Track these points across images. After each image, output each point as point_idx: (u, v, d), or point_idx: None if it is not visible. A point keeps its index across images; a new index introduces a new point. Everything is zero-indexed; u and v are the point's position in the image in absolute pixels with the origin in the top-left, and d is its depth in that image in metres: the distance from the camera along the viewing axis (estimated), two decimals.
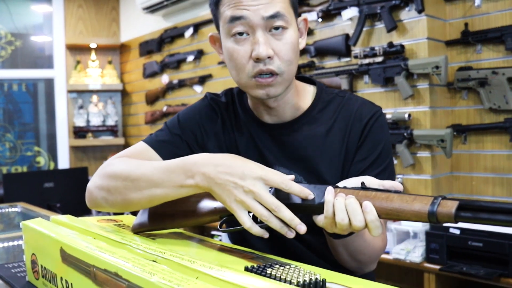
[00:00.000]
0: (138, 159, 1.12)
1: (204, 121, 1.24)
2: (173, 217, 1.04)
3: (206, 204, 1.01)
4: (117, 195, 1.05)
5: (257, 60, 1.05)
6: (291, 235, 0.89)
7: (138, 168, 1.04)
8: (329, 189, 0.87)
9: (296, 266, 0.79)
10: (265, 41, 1.04)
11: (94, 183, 1.12)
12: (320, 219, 0.89)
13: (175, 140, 1.21)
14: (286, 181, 0.89)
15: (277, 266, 0.78)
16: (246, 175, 0.89)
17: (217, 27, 1.15)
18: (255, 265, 0.77)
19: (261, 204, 0.88)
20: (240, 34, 1.05)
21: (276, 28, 1.05)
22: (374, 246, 1.08)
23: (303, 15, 1.15)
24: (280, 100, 1.15)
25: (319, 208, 0.88)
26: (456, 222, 0.76)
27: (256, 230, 0.90)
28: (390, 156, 1.18)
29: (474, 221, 0.75)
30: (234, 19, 1.04)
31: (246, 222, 0.89)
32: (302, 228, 0.88)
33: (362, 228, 0.83)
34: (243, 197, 0.89)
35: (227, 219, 0.98)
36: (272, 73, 1.06)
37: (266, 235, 0.91)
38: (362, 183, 0.87)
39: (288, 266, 0.78)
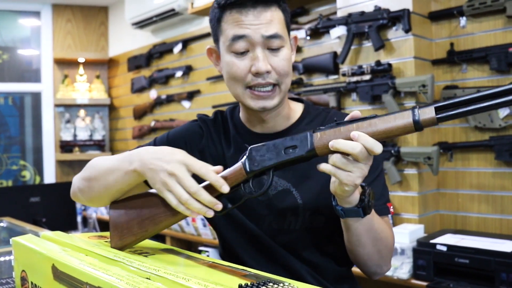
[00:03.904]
0: None
1: (190, 138, 1.32)
2: (154, 220, 1.05)
3: None
4: (86, 183, 1.18)
5: (256, 74, 1.14)
6: (210, 214, 0.99)
7: (105, 159, 1.16)
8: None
9: (290, 284, 0.80)
10: (263, 57, 1.14)
11: (78, 174, 1.25)
12: (325, 166, 0.95)
13: None
14: (204, 167, 1.00)
15: (271, 284, 0.79)
16: (171, 160, 1.00)
17: (215, 41, 1.23)
18: (248, 283, 0.78)
19: (183, 187, 0.98)
20: (242, 52, 1.15)
21: (274, 47, 1.15)
22: (388, 231, 1.18)
23: (293, 33, 1.23)
24: (273, 111, 1.23)
25: (309, 157, 0.96)
26: (438, 124, 0.87)
27: (182, 209, 0.99)
28: (381, 165, 1.27)
29: (454, 117, 0.86)
30: (237, 37, 1.14)
31: (172, 201, 0.99)
32: (219, 207, 0.99)
33: (365, 153, 0.91)
34: (166, 179, 0.99)
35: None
36: (270, 85, 1.15)
37: (193, 214, 1.00)
38: (335, 120, 0.96)
39: (282, 284, 0.79)
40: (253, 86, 1.16)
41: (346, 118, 0.96)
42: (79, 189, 1.21)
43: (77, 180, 1.23)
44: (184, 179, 0.98)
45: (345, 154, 0.92)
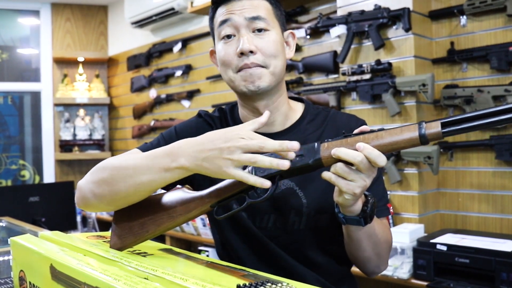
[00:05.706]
0: None
1: (203, 133, 1.27)
2: (156, 221, 1.04)
3: (191, 197, 1.03)
4: (105, 186, 1.08)
5: (241, 54, 1.15)
6: (285, 164, 0.92)
7: (125, 159, 1.08)
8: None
9: (288, 284, 0.79)
10: (247, 37, 1.16)
11: (84, 179, 1.15)
12: (326, 174, 0.95)
13: None
14: (265, 140, 0.93)
15: (269, 284, 0.78)
16: (229, 138, 0.94)
17: (214, 40, 1.25)
18: (247, 283, 0.77)
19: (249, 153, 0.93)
20: (228, 37, 1.18)
21: (259, 30, 1.17)
22: (387, 234, 1.21)
23: (291, 31, 1.25)
24: (271, 105, 1.22)
25: (315, 165, 0.96)
26: (443, 138, 0.89)
27: (254, 179, 0.93)
28: None
29: (459, 132, 0.88)
30: (222, 22, 1.18)
31: (244, 176, 0.93)
32: (295, 145, 0.92)
33: (367, 164, 0.91)
34: (231, 156, 0.93)
35: (220, 205, 1.02)
36: (257, 66, 1.16)
37: (266, 183, 0.93)
38: (343, 132, 0.97)
39: (280, 284, 0.78)
40: (241, 68, 1.16)
41: (355, 131, 0.97)
42: (93, 193, 1.10)
43: (86, 185, 1.12)
44: (249, 143, 0.92)
45: (347, 164, 0.93)
